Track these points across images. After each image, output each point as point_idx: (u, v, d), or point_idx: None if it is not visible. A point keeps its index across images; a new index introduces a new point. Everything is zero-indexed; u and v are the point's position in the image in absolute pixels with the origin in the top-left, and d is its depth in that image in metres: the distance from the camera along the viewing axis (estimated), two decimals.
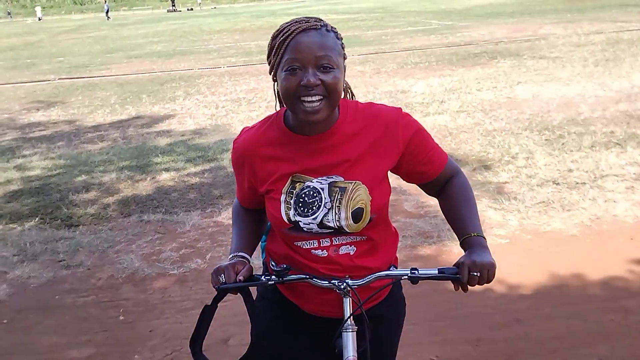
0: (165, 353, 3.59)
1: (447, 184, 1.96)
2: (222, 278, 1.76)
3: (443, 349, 3.47)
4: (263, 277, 1.81)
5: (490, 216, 5.21)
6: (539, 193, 5.65)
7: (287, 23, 1.72)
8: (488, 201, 5.52)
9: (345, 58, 1.78)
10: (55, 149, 8.74)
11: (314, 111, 1.67)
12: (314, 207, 1.78)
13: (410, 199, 5.66)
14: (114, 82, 15.22)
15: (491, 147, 7.21)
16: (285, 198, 1.81)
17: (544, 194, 5.61)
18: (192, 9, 71.16)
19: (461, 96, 10.35)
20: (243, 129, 1.94)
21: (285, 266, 1.78)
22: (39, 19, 65.12)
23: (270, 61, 1.74)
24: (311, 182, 1.79)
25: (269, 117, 1.90)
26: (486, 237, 1.84)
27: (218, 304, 1.83)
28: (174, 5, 71.05)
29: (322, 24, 1.72)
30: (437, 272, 1.74)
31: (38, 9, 69.08)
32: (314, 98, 1.66)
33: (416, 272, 1.76)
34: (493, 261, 1.73)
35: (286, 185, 1.81)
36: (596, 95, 9.65)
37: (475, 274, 1.70)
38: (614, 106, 8.82)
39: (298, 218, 1.80)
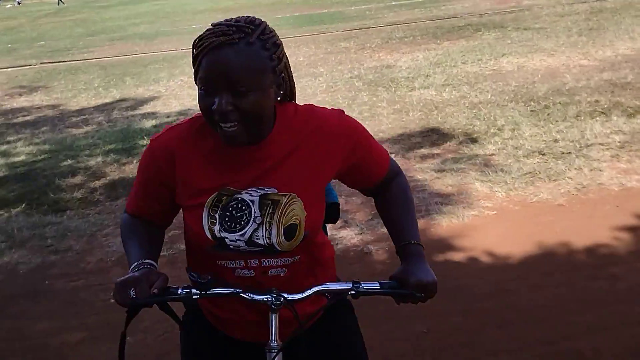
0: (157, 334, 3.60)
1: (386, 185, 1.82)
2: (133, 293, 1.47)
3: (433, 322, 3.49)
4: (182, 290, 1.56)
5: (478, 188, 5.24)
6: (525, 164, 5.67)
7: (206, 32, 1.50)
8: (475, 174, 5.54)
9: (277, 70, 1.53)
10: (39, 134, 8.66)
11: (231, 136, 1.49)
12: (242, 222, 1.58)
13: None
14: (97, 65, 15.07)
15: (477, 119, 7.22)
16: (209, 212, 1.60)
17: (531, 165, 5.63)
18: None
19: (446, 70, 10.32)
20: (165, 127, 1.73)
21: (210, 278, 1.56)
22: (19, 3, 64.10)
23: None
24: (240, 194, 1.59)
25: (198, 118, 1.65)
26: (423, 245, 1.73)
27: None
28: None
29: (243, 35, 1.46)
30: (379, 286, 1.59)
31: None
32: (227, 125, 1.48)
33: (359, 286, 1.58)
34: (435, 279, 1.61)
35: (211, 197, 1.60)
36: (580, 65, 9.66)
37: (421, 295, 1.59)
38: (598, 75, 8.84)
39: (224, 234, 1.59)
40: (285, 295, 1.57)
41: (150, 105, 9.95)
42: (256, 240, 1.59)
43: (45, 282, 4.38)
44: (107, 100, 10.75)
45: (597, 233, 4.32)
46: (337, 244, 4.47)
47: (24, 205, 5.84)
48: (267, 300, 1.57)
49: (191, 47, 1.54)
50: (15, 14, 43.98)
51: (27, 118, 9.91)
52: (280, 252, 1.62)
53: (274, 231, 1.58)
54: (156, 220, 1.77)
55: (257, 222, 1.58)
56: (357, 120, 1.73)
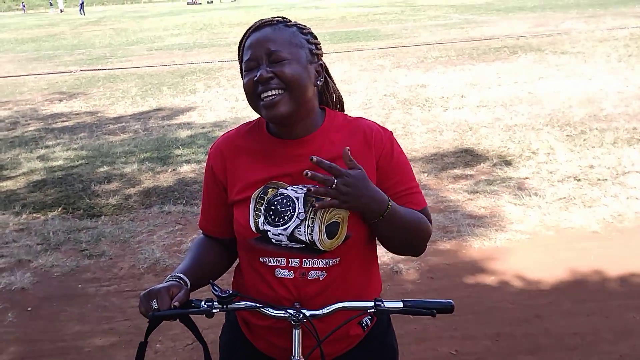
0: (186, 342, 3.63)
1: None
2: (155, 304, 1.51)
3: (463, 344, 3.47)
4: (204, 303, 1.57)
5: (511, 211, 5.20)
6: (560, 189, 5.62)
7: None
8: (509, 197, 5.50)
9: (314, 53, 1.65)
10: (77, 139, 8.82)
11: (272, 104, 1.55)
12: (286, 217, 1.61)
13: (430, 194, 5.65)
14: (135, 74, 15.32)
15: (512, 142, 7.17)
16: (255, 205, 1.65)
17: (565, 190, 5.57)
18: (212, 2, 71.31)
19: (481, 91, 10.29)
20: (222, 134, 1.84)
21: (231, 291, 1.55)
22: (61, 11, 65.62)
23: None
24: (286, 189, 1.64)
25: (250, 122, 1.78)
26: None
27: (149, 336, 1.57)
28: None
29: (280, 20, 1.64)
30: (402, 305, 1.56)
31: (60, 0, 69.58)
32: (270, 93, 1.55)
33: (381, 304, 1.57)
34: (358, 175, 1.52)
35: (258, 190, 1.66)
36: (619, 91, 9.56)
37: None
38: (637, 102, 8.73)
39: (267, 227, 1.63)
40: (305, 311, 1.58)
41: (186, 116, 10.08)
42: (298, 236, 1.61)
43: (79, 286, 4.45)
44: (144, 109, 10.92)
45: (632, 262, 4.26)
46: None
47: (60, 209, 5.95)
48: (286, 315, 1.57)
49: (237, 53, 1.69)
50: (57, 21, 45.01)
51: (66, 123, 10.11)
52: (321, 251, 1.62)
53: (316, 228, 1.60)
54: (216, 234, 1.82)
55: (301, 218, 1.61)
56: (402, 149, 1.74)
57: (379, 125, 1.73)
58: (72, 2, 70.09)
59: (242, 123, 1.82)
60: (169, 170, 7.00)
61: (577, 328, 3.56)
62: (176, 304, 1.51)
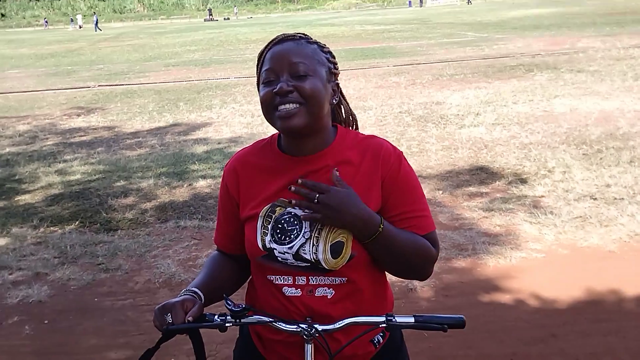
0: None
1: None
2: (169, 318, 1.54)
3: None
4: (217, 317, 1.61)
5: (526, 230, 5.18)
6: (576, 208, 5.59)
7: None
8: (524, 215, 5.48)
9: (332, 72, 1.70)
10: (95, 154, 8.92)
11: (288, 115, 1.57)
12: (292, 236, 1.63)
13: (445, 211, 5.65)
14: (152, 90, 15.47)
15: (527, 160, 7.16)
16: (263, 222, 1.67)
17: (581, 209, 5.55)
18: (228, 19, 71.96)
19: (497, 109, 10.28)
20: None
21: (244, 306, 1.57)
22: (80, 27, 66.49)
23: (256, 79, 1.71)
24: (294, 208, 1.64)
25: (264, 139, 1.81)
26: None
27: (161, 345, 1.61)
28: (211, 15, 72.09)
29: (302, 36, 1.67)
30: (413, 320, 1.58)
31: (79, 17, 70.60)
32: (287, 106, 1.57)
33: (393, 319, 1.58)
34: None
35: (265, 208, 1.68)
36: (635, 110, 9.51)
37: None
38: None
39: (273, 245, 1.65)
40: (317, 326, 1.59)
41: (202, 131, 10.16)
42: (303, 255, 1.63)
43: (95, 300, 4.48)
44: (161, 124, 11.02)
45: None
46: None
47: (77, 222, 6.01)
48: (299, 330, 1.59)
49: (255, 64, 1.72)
50: (76, 37, 45.56)
51: (84, 138, 10.22)
52: (327, 270, 1.63)
53: (320, 247, 1.61)
54: (231, 250, 1.85)
55: (306, 237, 1.62)
56: (414, 171, 1.73)
57: (390, 144, 1.73)
58: (90, 19, 70.90)
59: (257, 139, 1.85)
60: (185, 185, 7.05)
61: (593, 348, 3.54)
62: (190, 318, 1.55)
